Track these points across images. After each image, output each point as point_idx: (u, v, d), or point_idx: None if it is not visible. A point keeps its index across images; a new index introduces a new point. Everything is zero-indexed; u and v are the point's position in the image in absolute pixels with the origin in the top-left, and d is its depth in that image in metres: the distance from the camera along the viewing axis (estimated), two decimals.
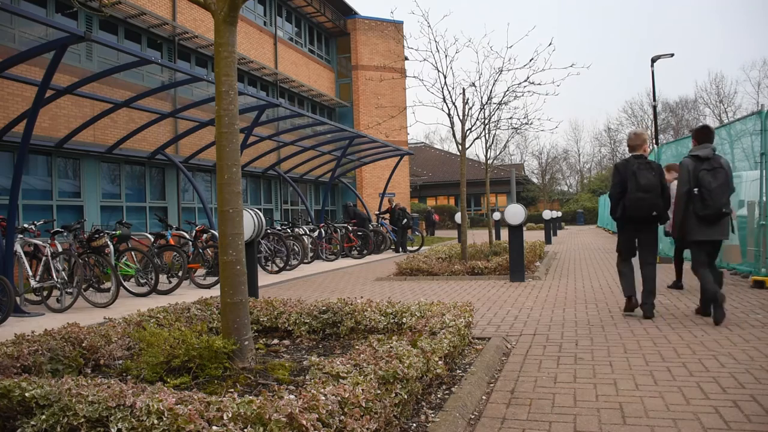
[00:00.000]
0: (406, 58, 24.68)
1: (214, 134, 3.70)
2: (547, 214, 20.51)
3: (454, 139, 10.54)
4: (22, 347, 3.25)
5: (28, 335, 3.54)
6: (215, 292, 7.58)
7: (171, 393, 2.30)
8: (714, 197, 4.98)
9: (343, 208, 19.85)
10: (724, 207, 5.00)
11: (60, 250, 7.40)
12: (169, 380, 3.03)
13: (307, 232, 13.45)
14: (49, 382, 2.45)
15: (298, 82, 21.12)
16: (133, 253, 8.77)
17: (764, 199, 7.15)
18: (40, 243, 7.58)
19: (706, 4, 79.77)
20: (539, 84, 11.13)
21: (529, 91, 14.77)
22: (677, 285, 7.23)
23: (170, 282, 8.58)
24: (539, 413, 2.98)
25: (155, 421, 2.11)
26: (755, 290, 6.90)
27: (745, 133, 8.35)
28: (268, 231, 11.66)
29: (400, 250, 16.35)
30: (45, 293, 7.32)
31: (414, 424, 2.74)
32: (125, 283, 8.27)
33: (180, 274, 8.47)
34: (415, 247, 16.92)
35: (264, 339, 4.34)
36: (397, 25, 23.57)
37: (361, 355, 2.88)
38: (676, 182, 5.46)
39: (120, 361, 3.56)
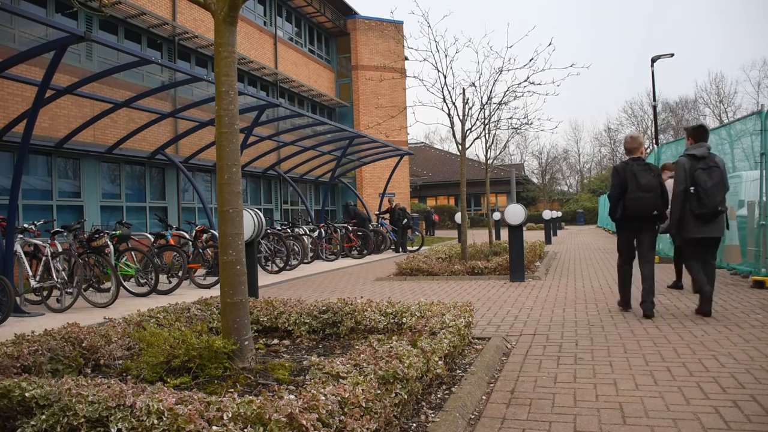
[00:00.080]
0: (406, 58, 24.69)
1: (214, 134, 3.70)
2: (547, 214, 20.51)
3: (454, 139, 10.54)
4: (22, 347, 3.25)
5: (28, 335, 3.54)
6: (215, 292, 7.59)
7: (171, 393, 2.30)
8: (710, 195, 5.07)
9: (343, 208, 19.85)
10: (720, 205, 5.11)
11: (60, 250, 7.40)
12: (169, 380, 3.03)
13: (307, 232, 13.45)
14: (49, 382, 2.45)
15: (298, 82, 21.12)
16: (133, 253, 8.77)
17: (764, 199, 7.15)
18: (40, 243, 7.58)
19: (706, 4, 79.87)
20: (539, 84, 11.14)
21: (529, 91, 14.77)
22: (677, 285, 7.23)
23: (170, 282, 8.58)
24: (539, 413, 2.98)
25: (155, 421, 2.11)
26: (755, 290, 6.90)
27: (745, 133, 8.35)
28: (268, 231, 11.66)
29: (400, 250, 16.35)
30: (45, 293, 7.32)
31: (414, 424, 2.74)
32: (125, 283, 8.27)
33: (180, 274, 8.47)
34: (415, 247, 16.93)
35: (264, 339, 4.34)
36: (397, 25, 23.57)
37: (361, 355, 2.88)
38: (671, 181, 5.52)
39: (120, 361, 3.56)
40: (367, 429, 2.22)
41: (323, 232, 14.20)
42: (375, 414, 2.34)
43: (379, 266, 12.16)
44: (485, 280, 8.87)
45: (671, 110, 52.11)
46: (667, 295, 6.71)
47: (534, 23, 18.13)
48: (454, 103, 9.96)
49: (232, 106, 3.48)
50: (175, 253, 8.89)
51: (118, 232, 8.73)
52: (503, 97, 10.52)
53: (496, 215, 19.55)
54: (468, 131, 10.02)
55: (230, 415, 2.09)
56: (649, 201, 5.30)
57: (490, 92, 10.29)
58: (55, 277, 7.11)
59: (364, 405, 2.30)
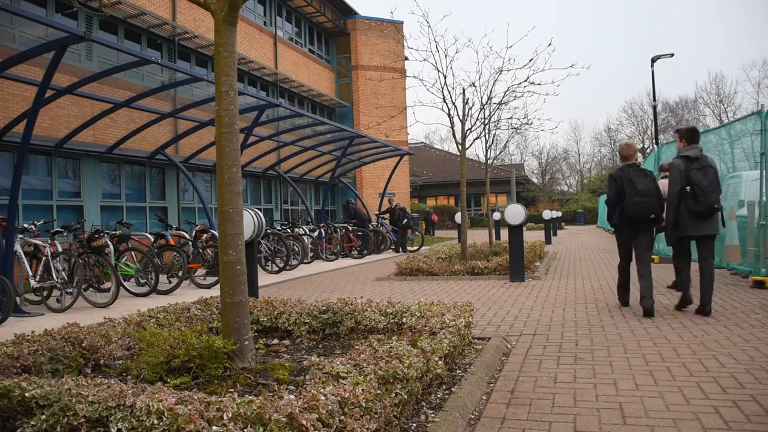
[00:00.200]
0: (406, 58, 24.68)
1: (214, 134, 3.70)
2: (547, 214, 20.51)
3: (454, 139, 10.54)
4: (22, 347, 3.25)
5: (28, 335, 3.54)
6: (215, 292, 7.59)
7: (171, 393, 2.30)
8: (706, 194, 5.25)
9: (343, 207, 19.85)
10: (716, 203, 5.27)
11: (60, 250, 7.40)
12: (169, 380, 3.03)
13: (307, 232, 13.45)
14: (49, 382, 2.45)
15: (298, 82, 21.12)
16: (133, 253, 8.77)
17: (764, 199, 7.15)
18: (40, 243, 7.58)
19: (706, 4, 79.84)
20: (539, 84, 11.13)
21: (529, 91, 14.79)
22: (677, 285, 7.23)
23: (170, 282, 8.58)
24: (539, 413, 2.98)
25: (155, 421, 2.11)
26: (755, 290, 6.90)
27: (745, 133, 8.35)
28: (268, 231, 11.66)
29: (400, 250, 16.35)
30: (45, 293, 7.32)
31: (414, 424, 2.74)
32: (125, 283, 8.27)
33: (180, 274, 8.47)
34: (415, 247, 16.93)
35: (264, 339, 4.34)
36: (397, 25, 23.56)
37: (361, 355, 2.88)
38: (665, 180, 5.62)
39: (120, 361, 3.56)
40: (367, 429, 2.22)
41: (323, 232, 14.20)
42: (375, 414, 2.34)
43: (379, 266, 12.16)
44: (485, 280, 8.87)
45: (671, 110, 52.13)
46: (667, 295, 6.71)
47: (534, 23, 18.12)
48: (454, 103, 9.97)
49: (232, 106, 3.48)
50: (175, 253, 8.89)
51: (118, 232, 8.73)
52: (503, 97, 10.53)
53: (496, 215, 19.55)
54: (468, 131, 10.02)
55: (230, 415, 2.09)
56: (647, 205, 5.52)
57: (490, 92, 10.30)
58: (55, 277, 7.11)
59: (364, 405, 2.30)
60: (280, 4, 21.32)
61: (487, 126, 10.76)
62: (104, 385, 2.42)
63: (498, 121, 11.09)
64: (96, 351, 3.52)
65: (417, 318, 4.16)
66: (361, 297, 5.07)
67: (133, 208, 13.04)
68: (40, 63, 9.07)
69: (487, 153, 11.24)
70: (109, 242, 8.03)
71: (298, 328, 4.35)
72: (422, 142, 55.26)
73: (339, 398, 2.25)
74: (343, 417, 2.19)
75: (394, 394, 2.56)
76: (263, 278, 9.48)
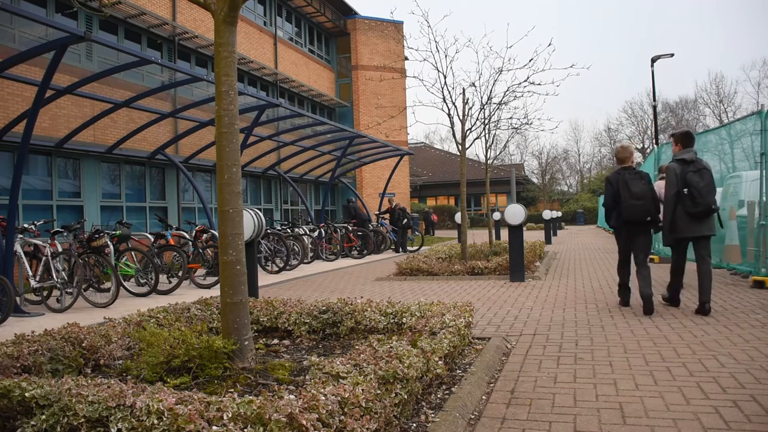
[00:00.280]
0: (406, 58, 24.69)
1: (214, 134, 3.70)
2: (547, 214, 20.51)
3: (454, 139, 10.54)
4: (22, 347, 3.25)
5: (28, 335, 3.54)
6: (215, 292, 7.59)
7: (171, 393, 2.30)
8: (704, 195, 5.36)
9: (343, 207, 19.85)
10: (713, 204, 5.39)
11: (60, 250, 7.40)
12: (169, 380, 3.03)
13: (307, 232, 13.45)
14: (49, 382, 2.45)
15: (298, 82, 21.12)
16: (133, 253, 8.77)
17: (764, 199, 7.15)
18: (40, 243, 7.58)
19: (706, 4, 79.85)
20: (539, 84, 11.12)
21: (529, 92, 14.79)
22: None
23: (170, 282, 8.58)
24: (539, 413, 2.98)
25: (155, 421, 2.11)
26: (755, 290, 6.90)
27: (745, 133, 8.35)
28: (268, 231, 11.66)
29: (400, 250, 16.35)
30: (45, 293, 7.32)
31: (414, 424, 2.74)
32: (125, 283, 8.27)
33: (180, 274, 8.47)
34: (415, 247, 16.93)
35: (264, 339, 4.34)
36: (397, 25, 23.56)
37: (361, 355, 2.88)
38: (661, 182, 5.69)
39: (120, 361, 3.56)
40: (367, 429, 2.22)
41: (323, 232, 14.20)
42: (375, 414, 2.34)
43: (379, 266, 12.16)
44: (485, 280, 8.87)
45: (671, 110, 52.12)
46: (667, 294, 6.70)
47: (534, 23, 18.12)
48: (454, 103, 9.97)
49: (232, 106, 3.48)
50: (175, 253, 8.89)
51: (118, 232, 8.73)
52: (503, 97, 10.53)
53: (496, 215, 19.54)
54: (468, 131, 10.02)
55: (230, 415, 2.09)
56: (643, 208, 5.65)
57: (490, 92, 10.30)
58: (55, 277, 7.11)
59: (364, 405, 2.30)
60: (280, 4, 21.32)
61: (487, 126, 10.77)
62: (104, 385, 2.42)
63: (498, 121, 11.10)
64: (96, 351, 3.52)
65: (417, 318, 4.16)
66: (361, 297, 5.07)
67: (133, 208, 13.04)
68: (40, 63, 9.07)
69: (487, 153, 11.24)
70: (109, 242, 8.03)
71: (298, 328, 4.35)
72: (422, 142, 55.26)
73: (339, 398, 2.25)
74: (343, 417, 2.19)
75: (394, 394, 2.56)
76: (263, 278, 9.48)
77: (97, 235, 7.60)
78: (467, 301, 4.67)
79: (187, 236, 9.82)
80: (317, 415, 2.11)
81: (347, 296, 5.12)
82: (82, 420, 2.21)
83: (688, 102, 51.97)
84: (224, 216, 3.46)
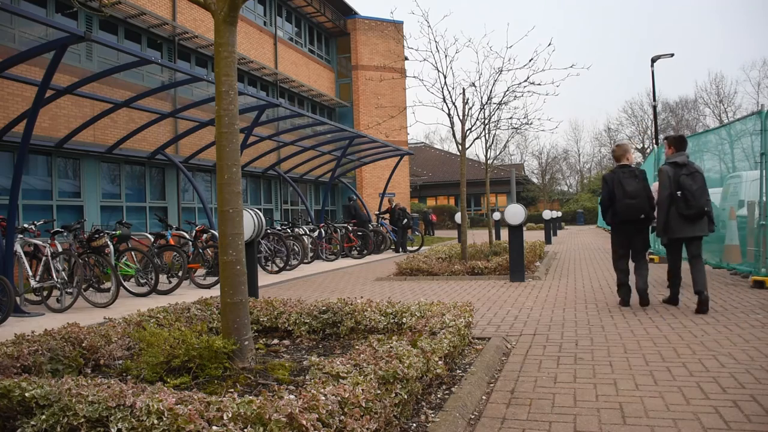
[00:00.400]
0: (406, 58, 24.68)
1: (214, 134, 3.70)
2: (547, 214, 20.51)
3: (454, 139, 10.54)
4: (22, 347, 3.25)
5: (28, 335, 3.54)
6: (215, 292, 7.59)
7: (171, 393, 2.30)
8: (696, 197, 5.51)
9: (343, 207, 19.85)
10: (705, 206, 5.54)
11: (60, 250, 7.40)
12: (169, 380, 3.03)
13: (307, 232, 13.45)
14: (49, 382, 2.45)
15: (298, 82, 21.12)
16: (133, 253, 8.77)
17: (764, 199, 7.15)
18: (40, 243, 7.58)
19: (706, 4, 79.83)
20: (539, 84, 11.12)
21: (529, 91, 14.79)
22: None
23: (170, 282, 8.58)
24: (539, 413, 2.98)
25: (155, 421, 2.11)
26: (755, 290, 6.90)
27: (745, 133, 8.35)
28: (268, 231, 11.66)
29: (400, 250, 16.35)
30: (45, 293, 7.32)
31: (414, 424, 2.74)
32: (125, 283, 8.27)
33: (180, 274, 8.47)
34: (415, 247, 16.93)
35: (264, 339, 4.34)
36: (397, 25, 23.56)
37: (361, 355, 2.88)
38: (655, 184, 5.86)
39: (120, 361, 3.56)
40: (367, 429, 2.22)
41: (323, 232, 14.20)
42: (375, 414, 2.34)
43: (379, 266, 12.16)
44: (485, 280, 8.87)
45: (671, 110, 52.08)
46: (666, 294, 6.70)
47: (534, 23, 18.10)
48: (454, 103, 9.97)
49: (232, 106, 3.48)
50: (175, 253, 8.89)
51: (118, 232, 8.73)
52: (503, 97, 10.53)
53: (496, 215, 19.54)
54: (468, 131, 10.02)
55: (230, 415, 2.09)
56: (636, 206, 5.81)
57: (490, 92, 10.30)
58: (55, 277, 7.11)
59: (364, 405, 2.30)
60: (280, 4, 21.32)
61: (487, 126, 10.77)
62: (104, 385, 2.42)
63: (498, 121, 11.10)
64: (96, 351, 3.52)
65: (417, 318, 4.16)
66: (361, 297, 5.07)
67: (133, 208, 13.04)
68: (40, 63, 9.07)
69: (487, 153, 11.24)
70: (109, 242, 8.03)
71: (298, 328, 4.35)
72: (422, 142, 55.25)
73: (339, 398, 2.25)
74: (343, 417, 2.19)
75: (394, 394, 2.56)
76: (263, 278, 9.48)
77: (97, 235, 7.60)
78: (467, 301, 4.67)
79: (187, 236, 9.82)
80: (317, 415, 2.11)
81: (347, 296, 5.12)
82: (82, 420, 2.21)
83: (688, 102, 51.99)
84: (224, 216, 3.46)
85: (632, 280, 6.13)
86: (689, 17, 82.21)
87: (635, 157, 44.41)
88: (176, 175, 14.06)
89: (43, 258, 7.29)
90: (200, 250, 9.35)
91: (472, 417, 2.95)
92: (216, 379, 3.14)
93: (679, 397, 3.12)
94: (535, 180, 50.10)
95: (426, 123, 55.94)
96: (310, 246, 13.26)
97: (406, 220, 16.32)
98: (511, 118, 13.19)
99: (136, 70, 12.53)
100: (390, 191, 21.73)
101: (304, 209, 19.89)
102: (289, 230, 12.98)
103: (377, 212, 18.37)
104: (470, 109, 10.02)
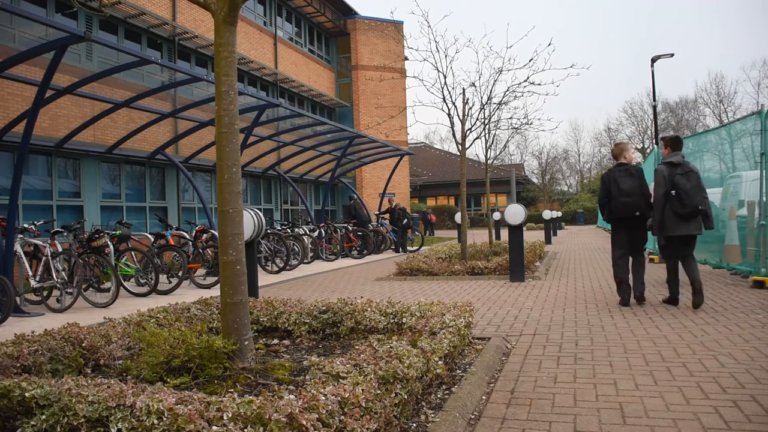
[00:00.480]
0: (406, 58, 24.68)
1: (214, 134, 3.70)
2: (547, 214, 20.51)
3: (454, 139, 10.54)
4: (22, 347, 3.25)
5: (28, 335, 3.54)
6: (215, 292, 7.58)
7: (171, 393, 2.30)
8: (690, 196, 5.60)
9: (343, 206, 19.84)
10: (701, 204, 5.63)
11: (60, 250, 7.39)
12: (169, 380, 3.03)
13: (307, 232, 13.45)
14: (49, 382, 2.45)
15: (298, 82, 21.12)
16: (133, 253, 8.77)
17: (764, 199, 7.16)
18: (40, 243, 7.58)
19: (706, 4, 79.81)
20: (539, 84, 11.13)
21: (529, 91, 14.78)
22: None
23: (170, 282, 8.57)
24: (539, 413, 2.98)
25: (155, 421, 2.11)
26: (755, 290, 6.90)
27: (745, 133, 8.35)
28: (268, 231, 11.66)
29: (400, 250, 16.35)
30: (45, 293, 7.32)
31: (414, 424, 2.74)
32: (125, 283, 8.27)
33: (180, 274, 8.47)
34: (415, 247, 16.93)
35: (264, 339, 4.34)
36: (397, 25, 23.56)
37: (361, 355, 2.88)
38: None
39: (120, 361, 3.56)
40: (367, 429, 2.22)
41: (323, 232, 14.20)
42: (375, 414, 2.34)
43: (379, 266, 12.16)
44: (485, 280, 8.87)
45: (671, 110, 52.06)
46: (665, 293, 6.70)
47: (534, 23, 18.09)
48: (454, 103, 9.97)
49: (232, 106, 3.48)
50: (175, 253, 8.89)
51: (118, 232, 8.73)
52: (503, 97, 10.54)
53: (496, 215, 19.54)
54: (468, 131, 10.02)
55: (230, 415, 2.09)
56: (631, 203, 5.94)
57: (490, 92, 10.30)
58: (55, 277, 7.11)
59: (364, 405, 2.30)
60: (280, 4, 21.32)
61: (487, 126, 10.77)
62: (104, 385, 2.42)
63: (498, 121, 11.10)
64: (96, 351, 3.52)
65: (417, 318, 4.16)
66: (361, 297, 5.07)
67: (133, 208, 13.04)
68: (40, 63, 9.07)
69: (487, 153, 11.24)
70: (109, 242, 8.03)
71: (298, 328, 4.35)
72: (422, 142, 55.24)
73: (339, 398, 2.25)
74: (343, 417, 2.19)
75: (394, 394, 2.56)
76: (263, 278, 9.48)
77: (97, 235, 7.60)
78: (467, 301, 4.67)
79: (187, 236, 9.82)
80: (317, 415, 2.11)
81: (347, 296, 5.12)
82: (82, 420, 2.21)
83: (688, 102, 51.95)
84: (224, 216, 3.46)
85: (632, 280, 6.16)
86: (689, 17, 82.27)
87: (635, 158, 44.36)
88: (176, 175, 14.06)
89: (43, 258, 7.29)
90: (200, 250, 9.35)
91: (472, 417, 2.95)
92: (216, 379, 3.14)
93: (679, 397, 3.12)
94: (535, 180, 50.10)
95: (426, 123, 55.97)
96: (310, 246, 13.26)
97: (406, 220, 16.32)
98: (511, 118, 13.20)
99: (136, 70, 12.53)
100: (390, 191, 21.73)
101: (304, 209, 19.89)
102: (289, 230, 12.98)
103: (377, 212, 18.37)
104: (470, 109, 10.03)
